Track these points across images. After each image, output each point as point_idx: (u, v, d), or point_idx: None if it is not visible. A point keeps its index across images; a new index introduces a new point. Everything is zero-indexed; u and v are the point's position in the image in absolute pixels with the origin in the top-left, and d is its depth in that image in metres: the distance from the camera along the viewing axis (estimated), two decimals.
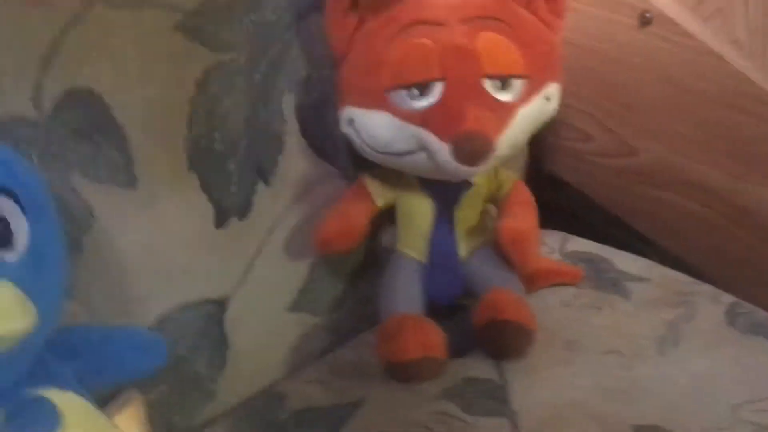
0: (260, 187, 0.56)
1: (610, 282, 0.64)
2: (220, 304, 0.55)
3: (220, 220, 0.54)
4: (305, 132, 0.57)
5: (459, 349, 0.57)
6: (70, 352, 0.38)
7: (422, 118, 0.49)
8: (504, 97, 0.50)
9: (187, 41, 0.50)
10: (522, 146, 0.54)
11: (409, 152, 0.51)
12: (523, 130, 0.52)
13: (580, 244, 0.70)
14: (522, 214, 0.57)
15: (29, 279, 0.32)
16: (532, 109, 0.52)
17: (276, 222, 0.57)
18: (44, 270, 0.34)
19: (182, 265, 0.52)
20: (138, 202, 0.49)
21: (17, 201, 0.32)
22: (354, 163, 0.60)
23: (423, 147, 0.50)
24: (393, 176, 0.59)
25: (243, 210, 0.55)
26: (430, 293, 0.59)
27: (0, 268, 0.31)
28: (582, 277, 0.64)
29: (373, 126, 0.51)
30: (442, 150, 0.48)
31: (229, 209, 0.54)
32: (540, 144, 0.78)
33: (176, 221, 0.51)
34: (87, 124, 0.46)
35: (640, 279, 0.64)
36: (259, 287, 0.57)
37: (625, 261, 0.67)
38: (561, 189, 0.78)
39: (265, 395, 0.58)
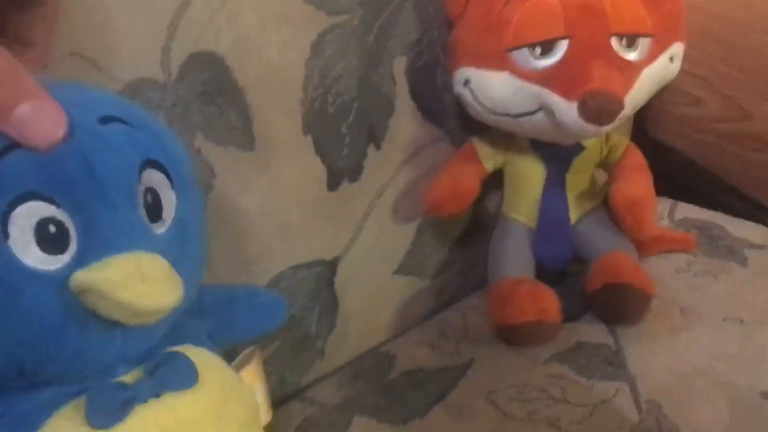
0: (371, 150, 0.56)
1: (725, 249, 0.62)
2: (330, 266, 0.56)
3: (333, 183, 0.54)
4: (415, 94, 0.57)
5: (569, 314, 0.57)
6: (200, 312, 0.39)
7: (545, 78, 0.48)
8: (630, 56, 0.49)
9: (304, 4, 0.50)
10: (643, 104, 0.53)
11: (528, 113, 0.50)
12: (647, 90, 0.51)
13: (690, 211, 0.68)
14: (636, 179, 0.56)
15: (175, 251, 0.31)
16: (656, 68, 0.50)
17: (385, 185, 0.58)
18: (188, 242, 0.33)
19: (296, 226, 0.53)
20: (256, 163, 0.50)
21: (167, 174, 0.32)
22: (463, 126, 0.60)
23: (544, 107, 0.49)
24: (503, 140, 0.58)
25: (354, 173, 0.55)
26: (539, 258, 0.59)
27: (152, 241, 0.30)
28: (695, 244, 0.63)
29: (492, 87, 0.51)
30: (568, 110, 0.47)
31: (341, 172, 0.55)
32: (645, 110, 0.76)
33: (291, 183, 0.52)
34: (210, 87, 0.47)
35: (758, 246, 0.62)
36: (368, 249, 0.58)
37: (739, 228, 0.64)
38: (667, 156, 0.76)
39: (373, 355, 0.59)
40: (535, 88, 0.49)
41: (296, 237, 0.54)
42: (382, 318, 0.61)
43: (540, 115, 0.50)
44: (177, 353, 0.34)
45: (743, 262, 0.60)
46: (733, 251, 0.61)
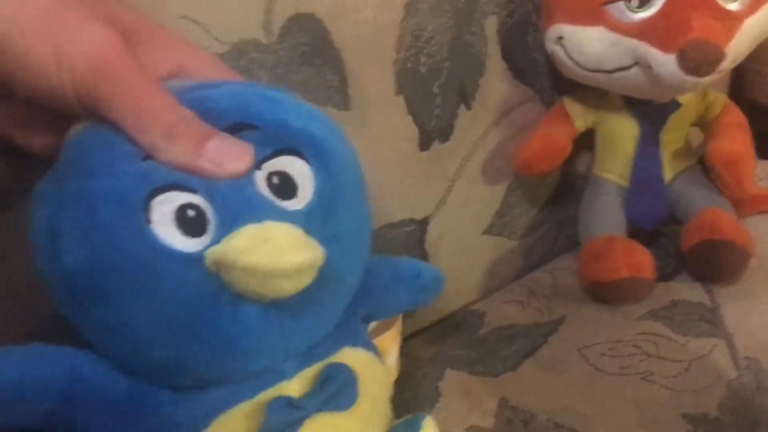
0: (462, 110, 0.57)
1: None
2: (421, 224, 0.57)
3: (424, 143, 0.55)
4: (506, 54, 0.57)
5: (663, 273, 0.56)
6: (363, 292, 0.36)
7: (641, 31, 0.48)
8: (731, 5, 0.48)
9: None
10: (743, 57, 0.51)
11: (623, 68, 0.50)
12: (749, 42, 0.49)
13: None
14: (735, 136, 0.54)
15: (318, 226, 0.31)
16: (758, 19, 0.49)
17: (475, 145, 0.58)
18: (333, 216, 0.32)
19: (390, 184, 0.55)
20: (351, 122, 0.51)
21: (299, 154, 0.31)
22: (554, 86, 0.60)
23: (640, 61, 0.49)
24: (594, 98, 0.58)
25: (445, 133, 0.56)
26: (632, 217, 0.58)
27: (283, 215, 0.30)
28: None
29: (586, 42, 0.50)
30: (667, 62, 0.46)
31: (432, 132, 0.56)
32: (742, 70, 0.74)
33: (385, 142, 0.54)
34: (309, 48, 0.49)
35: None
36: (458, 209, 0.59)
37: None
38: (766, 116, 0.73)
39: (463, 313, 0.60)
40: (632, 42, 0.48)
41: (389, 196, 0.55)
42: (471, 277, 0.62)
43: (635, 70, 0.50)
44: (344, 367, 0.34)
45: None
46: None
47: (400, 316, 0.50)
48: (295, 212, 0.31)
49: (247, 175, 0.30)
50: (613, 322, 0.53)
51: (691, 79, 0.46)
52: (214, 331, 0.29)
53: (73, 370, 0.30)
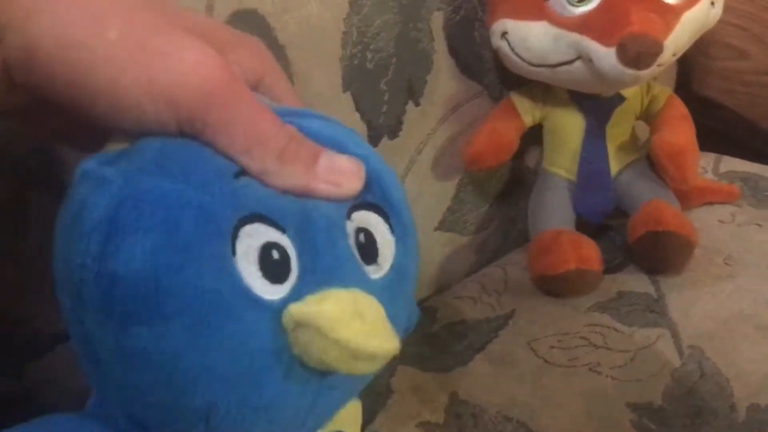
0: (410, 106, 0.56)
1: None
2: None
3: (373, 140, 0.55)
4: (453, 50, 0.57)
5: (610, 266, 0.57)
6: None
7: (582, 25, 0.48)
8: None
9: None
10: (684, 49, 0.52)
11: (566, 62, 0.50)
12: (688, 35, 0.50)
13: (735, 164, 0.67)
14: (679, 128, 0.55)
15: (388, 300, 0.28)
16: (697, 13, 0.50)
17: (424, 141, 0.58)
18: (402, 293, 0.30)
19: None
20: None
21: (385, 218, 0.29)
22: (501, 81, 0.60)
23: (582, 55, 0.49)
24: (541, 93, 0.58)
25: (394, 129, 0.56)
26: (580, 211, 0.59)
27: (367, 283, 0.27)
28: (739, 195, 0.62)
29: (530, 37, 0.51)
30: (607, 55, 0.47)
31: (380, 129, 0.55)
32: (688, 65, 0.75)
33: None
34: None
35: None
36: (409, 206, 0.59)
37: None
38: (712, 111, 0.75)
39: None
40: (573, 36, 0.49)
41: None
42: (424, 274, 0.62)
43: (578, 64, 0.50)
44: None
45: None
46: None
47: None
48: (375, 282, 0.28)
49: (339, 226, 0.27)
50: (562, 314, 0.53)
51: (630, 72, 0.47)
52: (259, 392, 0.26)
53: None
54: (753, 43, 0.70)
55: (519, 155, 0.62)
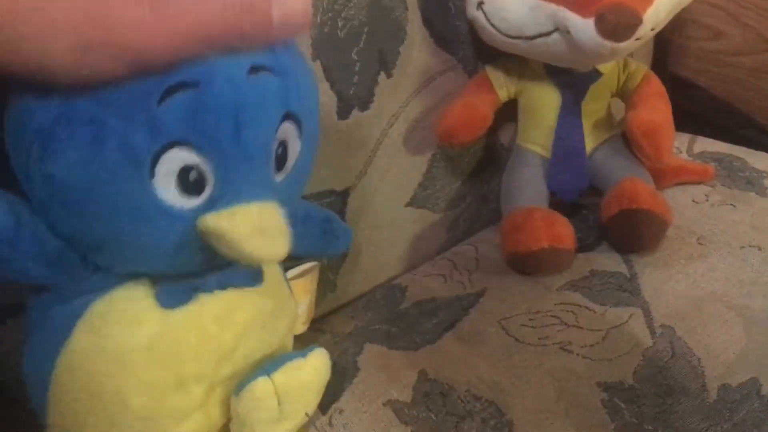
0: (382, 77, 0.55)
1: (744, 180, 0.60)
2: (342, 196, 0.55)
3: (343, 111, 0.53)
4: (427, 21, 0.56)
5: (583, 244, 0.56)
6: None
7: None
8: None
9: None
10: (662, 25, 0.51)
11: (543, 35, 0.49)
12: (668, 9, 0.49)
13: (709, 145, 0.67)
14: (655, 106, 0.54)
15: (288, 194, 0.33)
16: None
17: (396, 114, 0.57)
18: (300, 184, 0.36)
19: None
20: None
21: (299, 125, 0.33)
22: (477, 54, 0.59)
23: (560, 27, 0.48)
24: (517, 67, 0.57)
25: (365, 101, 0.54)
26: (554, 188, 0.58)
27: (273, 190, 0.32)
28: (713, 175, 0.61)
29: (506, 7, 0.49)
30: (585, 27, 0.46)
31: (351, 100, 0.54)
32: (664, 45, 0.74)
33: None
34: None
35: None
36: (379, 181, 0.57)
37: (760, 159, 0.63)
38: (688, 91, 0.74)
39: (385, 287, 0.58)
40: (551, 7, 0.48)
41: None
42: (394, 251, 0.61)
43: (555, 36, 0.49)
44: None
45: (763, 192, 0.59)
46: (752, 182, 0.60)
47: (318, 267, 0.49)
48: (279, 184, 0.33)
49: (265, 148, 0.31)
50: (534, 293, 0.52)
51: (609, 44, 0.45)
52: (172, 259, 0.32)
53: (19, 218, 0.31)
54: (728, 23, 0.69)
55: (493, 131, 0.61)
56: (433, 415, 0.43)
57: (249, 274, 0.37)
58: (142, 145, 0.28)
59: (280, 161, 0.33)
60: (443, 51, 0.58)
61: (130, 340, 0.33)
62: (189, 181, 0.30)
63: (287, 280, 0.42)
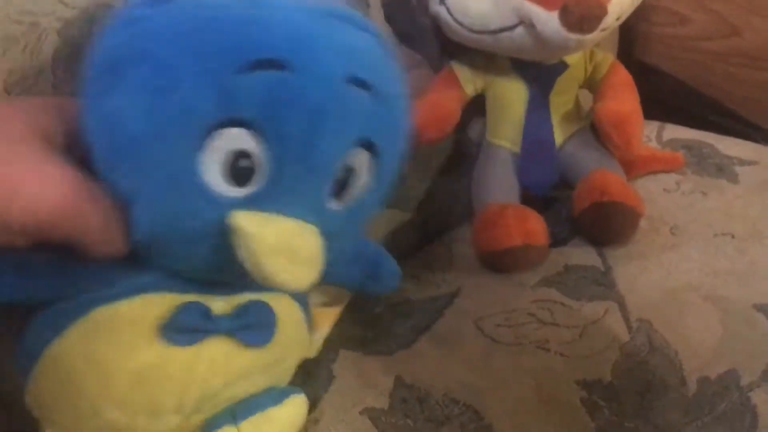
0: None
1: (714, 167, 0.60)
2: None
3: None
4: (390, 18, 0.55)
5: (557, 239, 0.55)
6: None
7: None
8: None
9: None
10: (627, 14, 0.50)
11: (507, 28, 0.48)
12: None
13: (678, 132, 0.66)
14: (623, 96, 0.54)
15: (339, 228, 0.31)
16: None
17: None
18: (357, 221, 0.33)
19: None
20: None
21: (375, 157, 0.30)
22: (441, 50, 0.58)
23: (524, 20, 0.47)
24: (483, 62, 0.56)
25: None
26: (524, 183, 0.57)
27: (321, 216, 0.30)
28: (683, 163, 0.61)
29: (469, 2, 0.48)
30: (549, 20, 0.45)
31: None
32: (630, 31, 0.74)
33: None
34: None
35: (748, 162, 0.60)
36: None
37: (729, 145, 0.63)
38: (655, 78, 0.74)
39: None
40: (514, 0, 0.47)
41: None
42: None
43: (520, 30, 0.48)
44: (268, 309, 0.34)
45: (734, 178, 0.59)
46: (723, 169, 0.60)
47: (347, 299, 0.48)
48: (334, 213, 0.30)
49: (328, 168, 0.29)
50: (509, 291, 0.51)
51: (574, 36, 0.45)
52: (193, 251, 0.29)
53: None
54: (694, 8, 0.69)
55: (461, 128, 0.60)
56: (411, 422, 0.42)
57: (261, 331, 0.34)
58: (207, 108, 0.26)
59: (340, 188, 0.30)
60: (407, 48, 0.57)
61: (119, 363, 0.31)
62: (238, 168, 0.28)
63: (308, 321, 0.39)
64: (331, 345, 0.51)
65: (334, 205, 0.30)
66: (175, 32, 0.27)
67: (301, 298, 0.38)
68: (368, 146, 0.30)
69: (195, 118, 0.26)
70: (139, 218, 0.29)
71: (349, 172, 0.30)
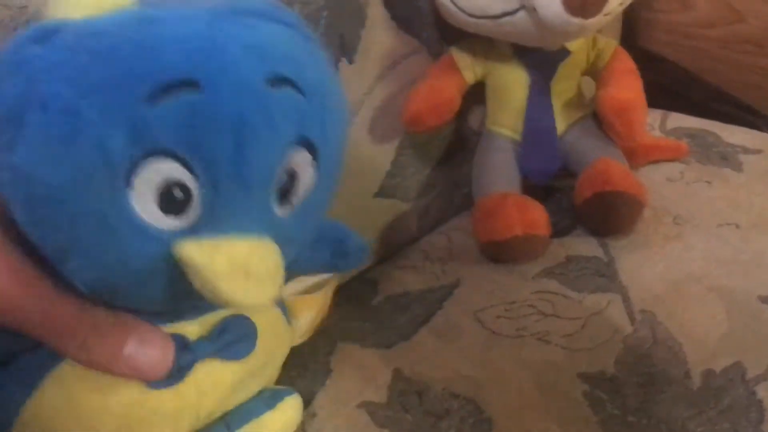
0: (343, 64, 0.52)
1: (718, 155, 0.59)
2: None
3: None
4: (388, 2, 0.53)
5: (557, 230, 0.54)
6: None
7: None
8: None
9: None
10: (629, 1, 0.49)
11: (509, 13, 0.47)
12: None
13: (682, 120, 0.65)
14: (626, 83, 0.53)
15: (291, 233, 0.29)
16: None
17: (360, 101, 0.54)
18: (308, 225, 0.31)
19: None
20: None
21: (315, 155, 0.28)
22: (441, 35, 0.57)
23: (525, 4, 0.46)
24: (483, 48, 0.55)
25: None
26: (525, 172, 0.56)
27: (271, 225, 0.28)
28: (687, 152, 0.60)
29: None
30: (551, 3, 0.43)
31: None
32: (634, 19, 0.73)
33: None
34: None
35: (753, 151, 0.59)
36: (345, 171, 0.54)
37: (734, 134, 0.62)
38: (658, 65, 0.73)
39: (356, 281, 0.56)
40: None
41: None
42: None
43: (521, 15, 0.47)
44: (245, 321, 0.33)
45: (738, 167, 0.58)
46: (727, 157, 0.59)
47: (333, 282, 0.47)
48: (282, 220, 0.28)
49: (267, 177, 0.27)
50: (509, 282, 0.50)
51: (577, 20, 0.43)
52: (148, 289, 0.27)
53: None
54: None
55: (461, 115, 0.59)
56: (409, 416, 0.41)
57: (243, 344, 0.32)
58: (120, 146, 0.24)
59: (285, 193, 0.28)
60: (406, 33, 0.55)
61: (102, 408, 0.30)
62: (172, 199, 0.26)
63: (281, 303, 0.38)
64: (328, 337, 0.50)
65: (281, 211, 0.28)
66: (72, 69, 0.24)
67: None
68: (306, 144, 0.28)
69: (110, 159, 0.24)
70: (80, 272, 0.27)
71: (291, 175, 0.28)
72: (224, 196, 0.26)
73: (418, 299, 0.52)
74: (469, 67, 0.55)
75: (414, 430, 0.40)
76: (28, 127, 0.24)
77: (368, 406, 0.42)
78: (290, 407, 0.36)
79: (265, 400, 0.35)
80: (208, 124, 0.24)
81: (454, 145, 0.61)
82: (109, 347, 0.29)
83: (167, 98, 0.24)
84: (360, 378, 0.45)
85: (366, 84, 0.54)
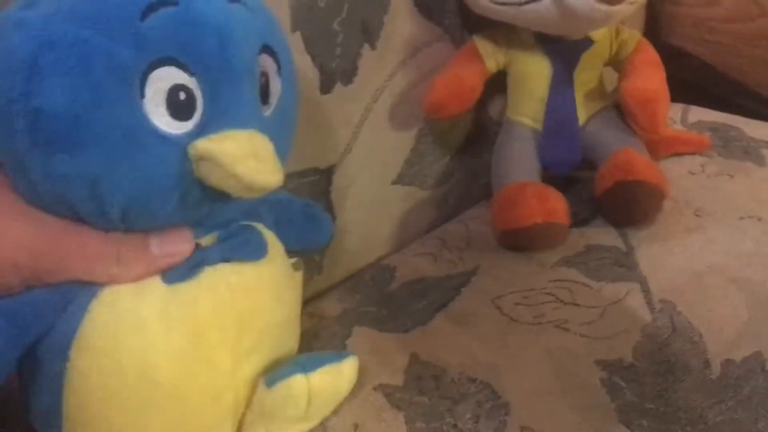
0: (366, 49, 0.52)
1: (741, 149, 0.59)
2: (326, 174, 0.53)
3: (326, 85, 0.51)
4: None
5: (577, 220, 0.54)
6: (263, 204, 0.40)
7: None
8: None
9: None
10: None
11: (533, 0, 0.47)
12: None
13: (704, 114, 0.65)
14: (649, 74, 0.53)
15: (275, 135, 0.33)
16: None
17: (382, 88, 0.54)
18: (285, 128, 0.36)
19: None
20: None
21: (277, 61, 0.34)
22: (464, 23, 0.57)
23: None
24: (506, 37, 0.55)
25: (348, 74, 0.52)
26: (546, 162, 0.56)
27: (262, 122, 0.33)
28: (709, 145, 0.60)
29: None
30: None
31: (334, 73, 0.51)
32: (657, 13, 0.72)
33: None
34: None
35: None
36: (365, 158, 0.55)
37: (756, 128, 0.61)
38: (682, 60, 0.72)
39: (373, 268, 0.57)
40: None
41: None
42: (382, 230, 0.59)
43: (546, 2, 0.47)
44: (251, 227, 0.37)
45: (760, 161, 0.57)
46: (749, 151, 0.58)
47: (300, 264, 0.46)
48: (266, 119, 0.33)
49: (253, 72, 0.32)
50: (528, 270, 0.50)
51: (603, 7, 0.43)
52: (162, 203, 0.31)
53: None
54: None
55: (482, 104, 0.59)
56: (426, 399, 0.41)
57: (253, 245, 0.36)
58: (129, 62, 0.28)
59: (264, 93, 0.33)
60: (429, 21, 0.55)
61: (140, 308, 0.33)
62: (179, 102, 0.30)
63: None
64: (346, 322, 0.50)
65: (265, 110, 0.33)
66: (66, 12, 0.28)
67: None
68: (268, 51, 0.33)
69: (124, 74, 0.28)
70: (111, 196, 0.30)
71: (265, 77, 0.33)
72: (220, 89, 0.30)
73: (435, 286, 0.52)
74: (492, 56, 0.55)
75: (430, 413, 0.40)
76: (44, 69, 0.28)
77: (384, 389, 0.43)
78: (354, 363, 0.40)
79: (333, 355, 0.40)
80: (192, 28, 0.29)
81: (473, 135, 0.61)
82: (140, 253, 0.33)
83: (156, 14, 0.29)
84: (377, 361, 0.45)
85: (387, 70, 0.54)
